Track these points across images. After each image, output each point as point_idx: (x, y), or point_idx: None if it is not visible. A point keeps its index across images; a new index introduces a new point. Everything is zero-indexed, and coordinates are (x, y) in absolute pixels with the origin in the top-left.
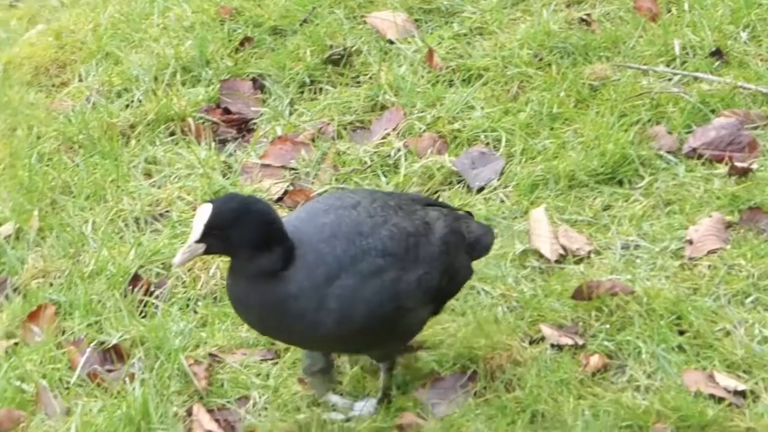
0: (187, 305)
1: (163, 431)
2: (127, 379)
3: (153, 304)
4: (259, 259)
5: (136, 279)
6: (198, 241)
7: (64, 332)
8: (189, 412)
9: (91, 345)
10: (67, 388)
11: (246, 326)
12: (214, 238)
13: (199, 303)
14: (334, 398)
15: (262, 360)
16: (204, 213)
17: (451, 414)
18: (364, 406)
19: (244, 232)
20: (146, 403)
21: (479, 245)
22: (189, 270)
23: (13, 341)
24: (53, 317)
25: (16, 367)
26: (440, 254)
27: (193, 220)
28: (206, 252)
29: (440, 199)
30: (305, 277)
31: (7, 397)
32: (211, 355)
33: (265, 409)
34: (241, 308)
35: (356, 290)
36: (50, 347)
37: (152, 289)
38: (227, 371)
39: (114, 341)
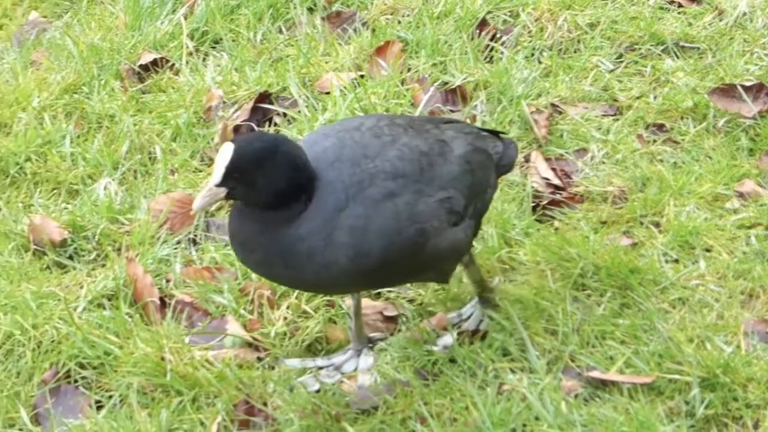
0: (533, 54)
1: None
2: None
3: (498, 50)
4: (281, 209)
5: (483, 24)
6: (219, 185)
7: (409, 69)
8: (527, 159)
9: (435, 84)
10: None
11: (589, 78)
12: (237, 182)
13: (545, 53)
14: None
15: (603, 115)
16: (226, 153)
17: None
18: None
19: (269, 178)
20: None
21: (503, 161)
22: (536, 20)
23: (359, 73)
24: (400, 54)
25: (361, 98)
26: (462, 174)
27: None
28: (228, 197)
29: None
30: (315, 213)
31: None
32: (552, 105)
33: (603, 163)
34: (245, 252)
35: (368, 219)
36: (395, 82)
37: (498, 35)
38: (567, 122)
39: (458, 82)
